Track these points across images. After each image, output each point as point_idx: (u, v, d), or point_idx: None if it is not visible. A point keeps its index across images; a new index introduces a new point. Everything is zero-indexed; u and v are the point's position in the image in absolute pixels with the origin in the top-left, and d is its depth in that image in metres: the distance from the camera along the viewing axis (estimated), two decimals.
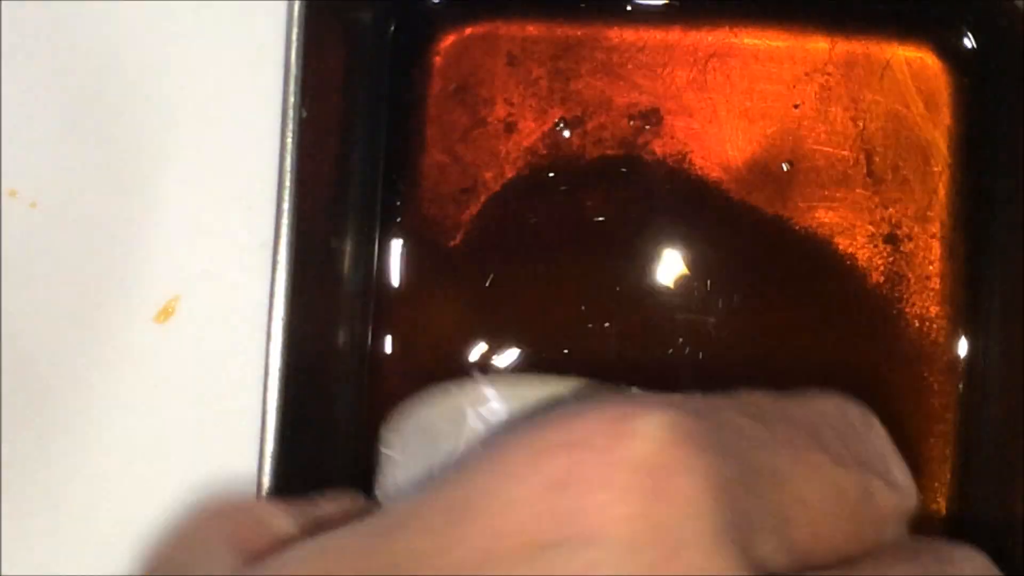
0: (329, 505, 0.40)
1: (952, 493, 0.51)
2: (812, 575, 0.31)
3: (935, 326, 0.52)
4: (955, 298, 0.52)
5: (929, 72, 0.52)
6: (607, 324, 0.52)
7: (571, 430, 0.29)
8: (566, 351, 0.52)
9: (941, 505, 0.51)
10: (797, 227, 0.52)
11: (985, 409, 0.50)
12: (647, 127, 0.52)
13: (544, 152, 0.52)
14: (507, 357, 0.52)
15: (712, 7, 0.52)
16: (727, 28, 0.52)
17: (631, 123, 0.52)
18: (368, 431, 0.52)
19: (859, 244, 0.52)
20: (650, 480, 0.28)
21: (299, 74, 0.46)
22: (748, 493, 0.30)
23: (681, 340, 0.52)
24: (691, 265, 0.52)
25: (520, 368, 0.52)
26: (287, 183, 0.46)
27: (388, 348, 0.52)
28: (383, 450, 0.42)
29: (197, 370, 0.48)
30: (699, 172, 0.52)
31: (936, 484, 0.51)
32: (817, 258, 0.52)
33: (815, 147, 0.52)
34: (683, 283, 0.52)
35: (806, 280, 0.52)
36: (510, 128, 0.52)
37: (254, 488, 0.46)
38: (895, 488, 0.37)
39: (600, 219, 0.52)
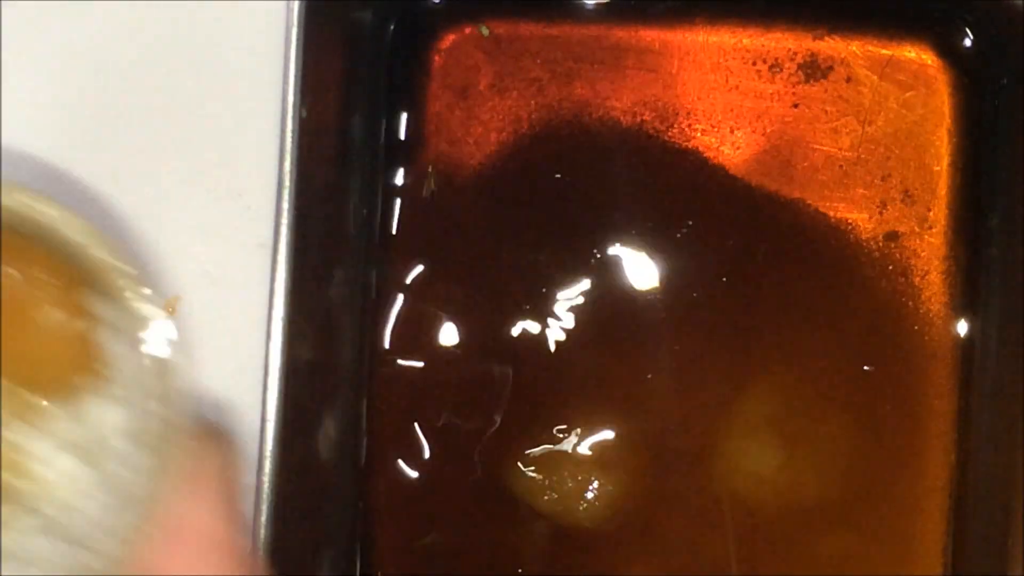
0: None
1: (953, 472, 0.51)
2: None
3: (935, 319, 0.52)
4: (954, 293, 0.52)
5: (928, 71, 0.52)
6: (602, 314, 0.52)
7: None
8: (561, 340, 0.52)
9: (944, 482, 0.51)
10: (797, 224, 0.52)
11: (983, 392, 0.51)
12: (646, 125, 0.52)
13: (544, 150, 0.52)
14: (505, 353, 0.52)
15: (713, 8, 0.52)
16: (727, 29, 0.52)
17: (630, 121, 0.52)
18: (368, 428, 0.53)
19: (859, 241, 0.52)
20: None
21: (299, 74, 0.46)
22: None
23: (682, 335, 0.52)
24: (691, 260, 0.52)
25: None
26: (287, 183, 0.46)
27: (387, 347, 0.52)
28: None
29: (197, 369, 0.47)
30: (700, 170, 0.52)
31: (938, 462, 0.51)
32: (817, 255, 0.52)
33: (815, 146, 0.52)
34: (683, 278, 0.52)
35: (806, 276, 0.52)
36: (510, 126, 0.52)
37: (253, 485, 0.46)
38: None
39: (599, 216, 0.52)
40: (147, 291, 0.37)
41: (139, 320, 0.37)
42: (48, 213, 0.38)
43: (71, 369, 0.37)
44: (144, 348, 0.37)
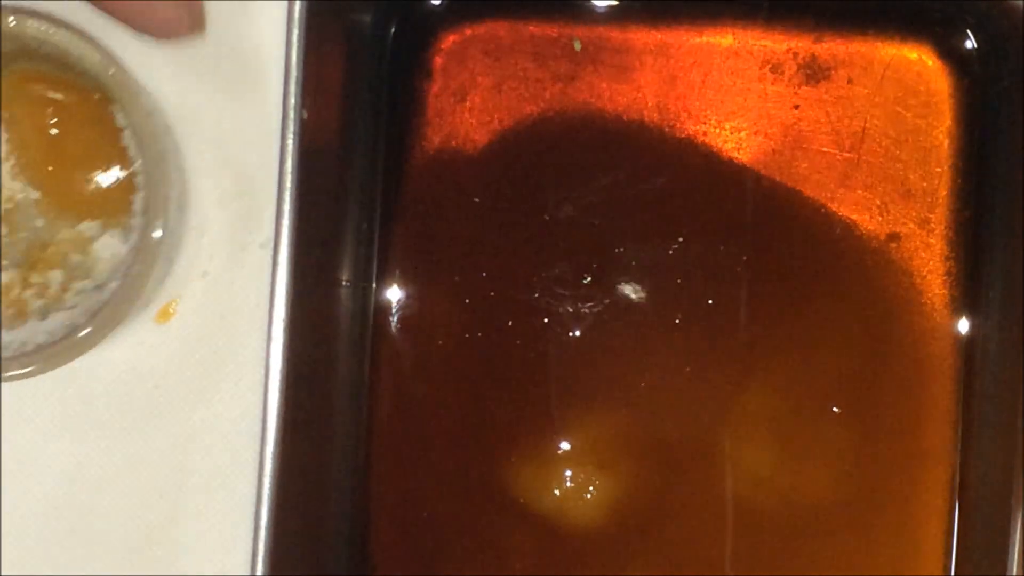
0: None
1: (954, 472, 0.51)
2: None
3: (936, 319, 0.52)
4: (956, 293, 0.52)
5: (929, 72, 0.52)
6: (595, 309, 0.52)
7: None
8: (562, 341, 0.52)
9: (945, 482, 0.51)
10: (799, 224, 0.52)
11: (984, 392, 0.51)
12: (647, 126, 0.52)
13: (545, 151, 0.52)
14: (505, 354, 0.52)
15: (714, 9, 0.52)
16: (729, 30, 0.52)
17: (631, 122, 0.52)
18: (368, 428, 0.53)
19: (861, 243, 0.52)
20: None
21: (299, 74, 0.46)
22: None
23: (682, 331, 0.52)
24: (693, 260, 0.52)
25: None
26: (287, 183, 0.46)
27: (389, 347, 0.52)
28: None
29: (197, 370, 0.48)
30: (701, 171, 0.52)
31: (939, 463, 0.51)
32: (819, 255, 0.52)
33: (816, 148, 0.52)
34: (685, 278, 0.52)
35: (808, 276, 0.52)
36: (510, 127, 0.53)
37: (254, 486, 0.46)
38: None
39: (600, 216, 0.52)
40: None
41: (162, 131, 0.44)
42: (64, 35, 0.44)
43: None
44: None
